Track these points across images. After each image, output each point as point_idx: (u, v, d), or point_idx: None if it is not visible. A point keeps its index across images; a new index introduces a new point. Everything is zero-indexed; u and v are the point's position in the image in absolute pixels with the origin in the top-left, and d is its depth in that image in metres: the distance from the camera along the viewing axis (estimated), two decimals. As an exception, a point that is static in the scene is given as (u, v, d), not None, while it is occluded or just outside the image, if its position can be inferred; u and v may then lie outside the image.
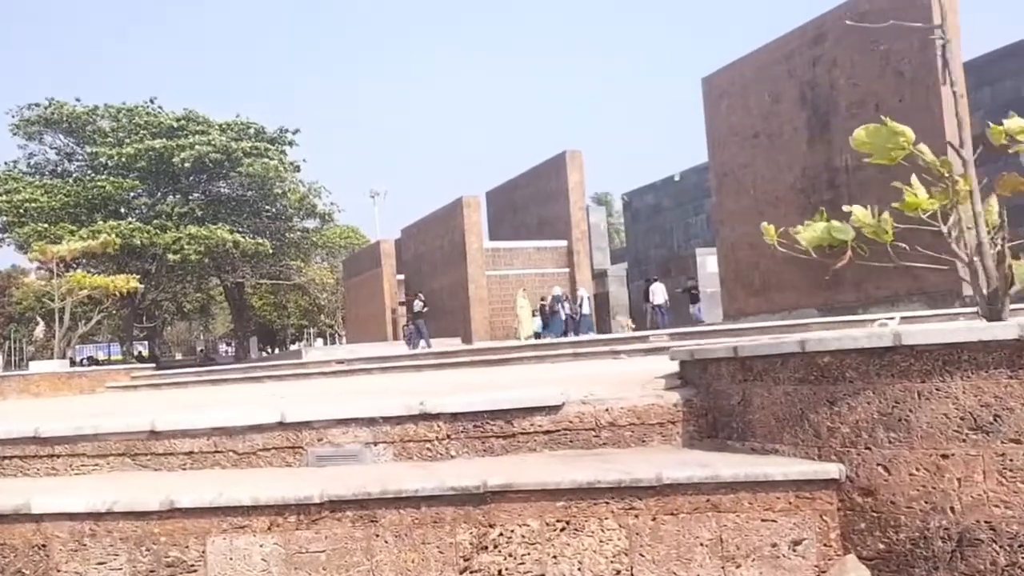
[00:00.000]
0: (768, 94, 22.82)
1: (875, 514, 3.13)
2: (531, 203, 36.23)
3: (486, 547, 3.55)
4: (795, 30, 21.99)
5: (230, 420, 4.44)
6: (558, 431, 4.16)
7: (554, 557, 3.48)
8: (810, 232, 4.89)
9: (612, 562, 3.42)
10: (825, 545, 3.25)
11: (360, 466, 4.27)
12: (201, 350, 73.06)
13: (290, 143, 47.73)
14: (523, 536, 3.52)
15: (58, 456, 4.66)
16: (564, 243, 33.34)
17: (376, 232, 71.43)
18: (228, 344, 78.07)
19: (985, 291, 4.10)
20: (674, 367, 5.26)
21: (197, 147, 40.84)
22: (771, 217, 22.91)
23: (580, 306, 27.56)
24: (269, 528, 3.73)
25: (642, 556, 3.40)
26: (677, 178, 38.76)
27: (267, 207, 48.42)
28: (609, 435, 4.10)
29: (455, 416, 4.25)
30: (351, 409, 4.35)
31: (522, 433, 4.18)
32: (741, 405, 3.74)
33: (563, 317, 27.18)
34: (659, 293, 28.83)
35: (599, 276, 36.87)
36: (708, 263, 31.38)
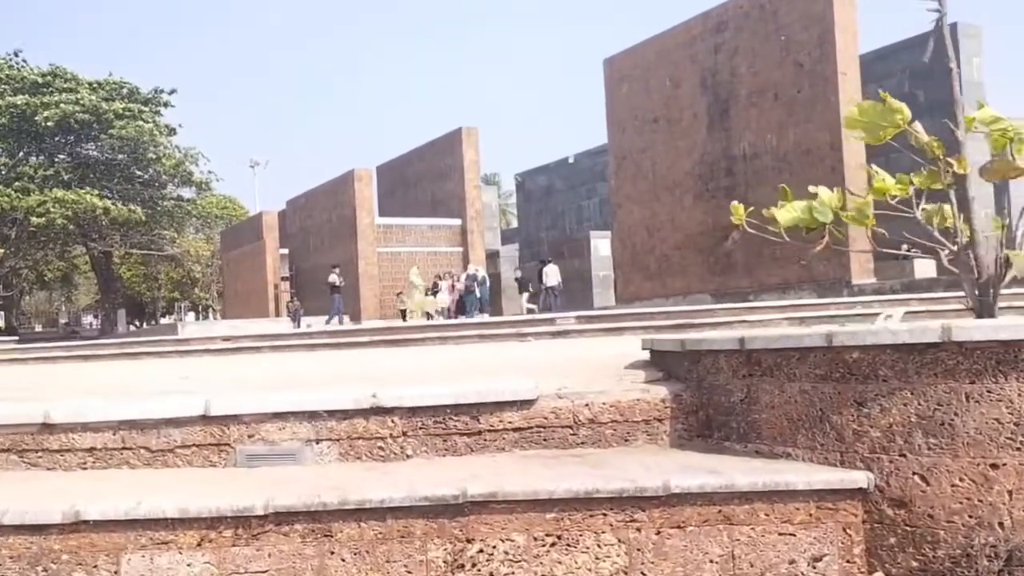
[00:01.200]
0: (669, 79, 22.90)
1: (908, 528, 2.82)
2: (424, 179, 35.46)
3: (463, 565, 3.07)
4: (698, 16, 22.11)
5: (143, 412, 3.78)
6: (530, 428, 3.71)
7: (543, 577, 3.04)
8: (788, 213, 4.58)
9: (610, 581, 3.01)
10: (848, 561, 2.93)
11: (299, 467, 3.70)
12: (65, 322, 68.87)
13: (165, 104, 45.12)
14: (507, 553, 3.06)
15: (-76, 452, 3.89)
16: (458, 222, 32.81)
17: (255, 204, 68.88)
18: (95, 316, 73.89)
19: (977, 282, 3.89)
20: (635, 356, 4.89)
21: (63, 105, 38.02)
22: (668, 202, 23.13)
23: (479, 284, 27.15)
24: (199, 544, 3.13)
25: (643, 575, 2.99)
26: (571, 160, 38.77)
27: (139, 172, 45.65)
28: (588, 433, 3.68)
29: (413, 411, 3.73)
30: (289, 401, 3.77)
31: (490, 430, 3.71)
32: (744, 403, 3.38)
33: (479, 296, 26.70)
34: (552, 275, 28.66)
35: (491, 257, 36.51)
36: (600, 247, 31.46)
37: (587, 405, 3.68)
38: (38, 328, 72.69)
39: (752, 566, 2.92)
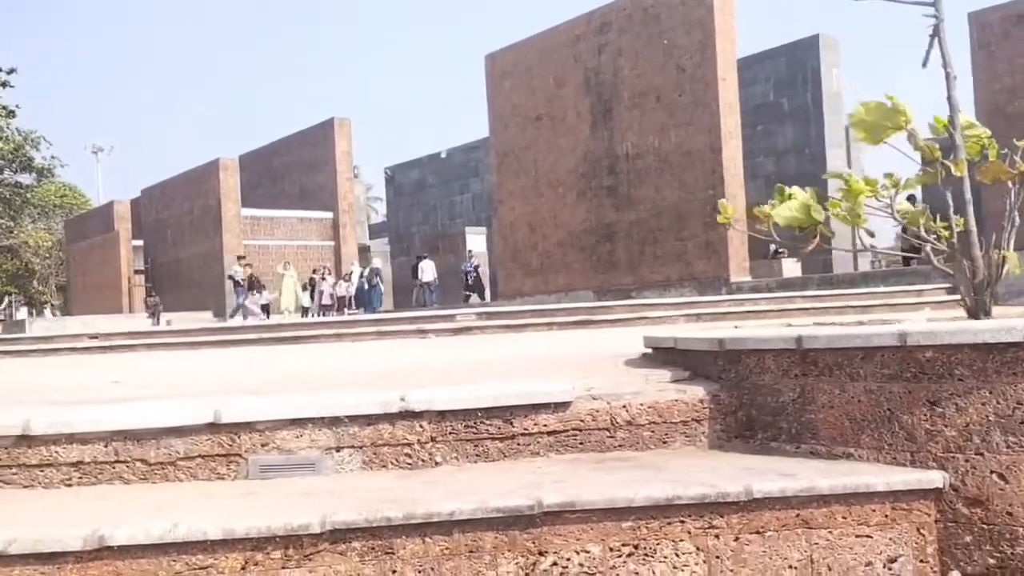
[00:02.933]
0: (553, 77, 23.11)
1: (985, 526, 2.87)
2: (292, 171, 34.36)
3: (537, 579, 2.90)
4: (581, 16, 22.40)
5: (140, 420, 3.37)
6: (566, 432, 3.57)
7: (620, 588, 2.91)
8: (784, 211, 4.62)
9: (688, 590, 2.92)
10: (921, 561, 2.96)
11: (319, 478, 3.41)
12: None
13: (3, 84, 41.77)
14: (581, 565, 2.91)
15: None
16: (330, 215, 31.99)
17: (99, 193, 64.87)
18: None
19: (972, 283, 4.05)
20: (631, 352, 4.84)
21: None
22: (551, 199, 23.36)
23: (366, 280, 26.60)
24: (243, 568, 2.81)
25: (722, 582, 2.92)
26: (443, 155, 38.55)
27: (-30, 156, 42.15)
28: (626, 436, 3.58)
29: (442, 415, 3.52)
30: (309, 406, 3.46)
31: (523, 434, 3.54)
32: (797, 403, 3.37)
33: (382, 291, 26.17)
34: (428, 270, 28.44)
35: (362, 251, 35.82)
36: (475, 242, 31.49)
37: (624, 407, 3.58)
38: None
39: (830, 570, 2.90)
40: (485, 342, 11.18)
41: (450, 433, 3.54)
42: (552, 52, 23.12)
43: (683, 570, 2.93)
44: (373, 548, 2.87)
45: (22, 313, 72.34)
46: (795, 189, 5.38)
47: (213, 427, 3.43)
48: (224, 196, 29.60)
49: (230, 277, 25.73)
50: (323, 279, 28.03)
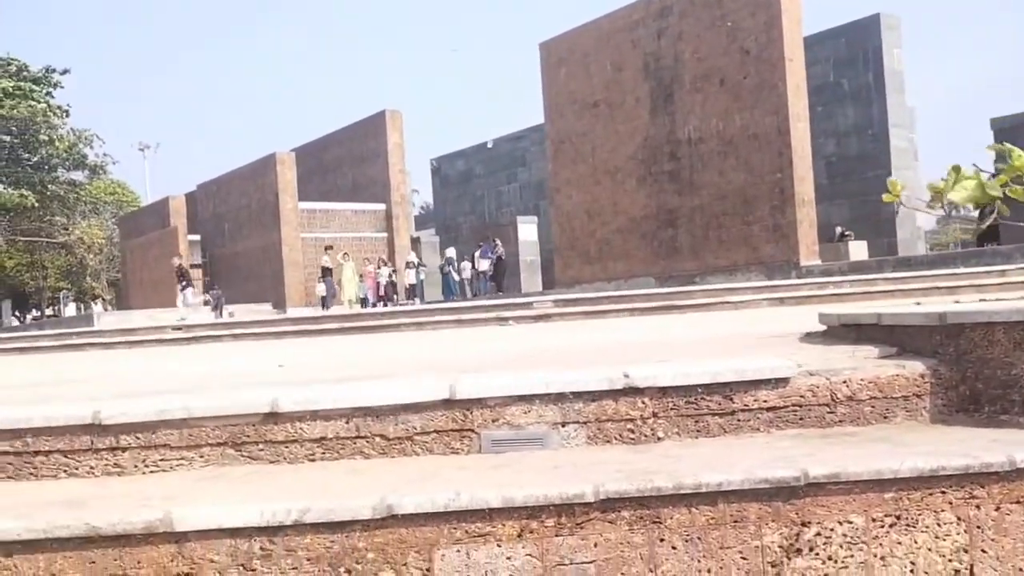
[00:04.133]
0: (610, 63, 23.06)
1: None
2: (344, 164, 34.64)
3: (800, 550, 2.96)
4: (640, 1, 22.32)
5: (380, 398, 3.48)
6: (785, 407, 3.62)
7: (882, 559, 2.96)
8: (961, 191, 4.60)
9: (950, 561, 2.96)
10: None
11: (549, 452, 3.50)
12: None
13: (56, 84, 42.61)
14: (844, 535, 2.97)
15: (124, 449, 3.46)
16: (383, 206, 32.21)
17: (146, 189, 65.83)
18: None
19: None
20: (781, 331, 4.87)
21: (-54, 81, 35.39)
22: (609, 186, 23.33)
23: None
24: (520, 535, 2.90)
25: (984, 552, 2.96)
26: (490, 145, 38.64)
27: (27, 155, 43.04)
28: (846, 411, 3.62)
29: (663, 391, 3.58)
30: (537, 382, 3.55)
31: (743, 410, 3.60)
32: (1034, 375, 3.39)
33: (456, 279, 26.36)
34: (485, 260, 28.52)
35: (412, 242, 36.06)
36: (527, 231, 31.51)
37: (845, 382, 3.62)
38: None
39: (1092, 536, 2.93)
40: (576, 328, 11.23)
41: (671, 409, 3.60)
42: (609, 38, 23.06)
43: (944, 540, 2.98)
44: (641, 517, 2.95)
45: (70, 308, 73.81)
46: (957, 166, 5.36)
47: (448, 403, 3.53)
48: (282, 190, 29.95)
49: (322, 267, 26.22)
50: (378, 269, 28.29)
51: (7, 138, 41.41)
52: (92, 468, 3.48)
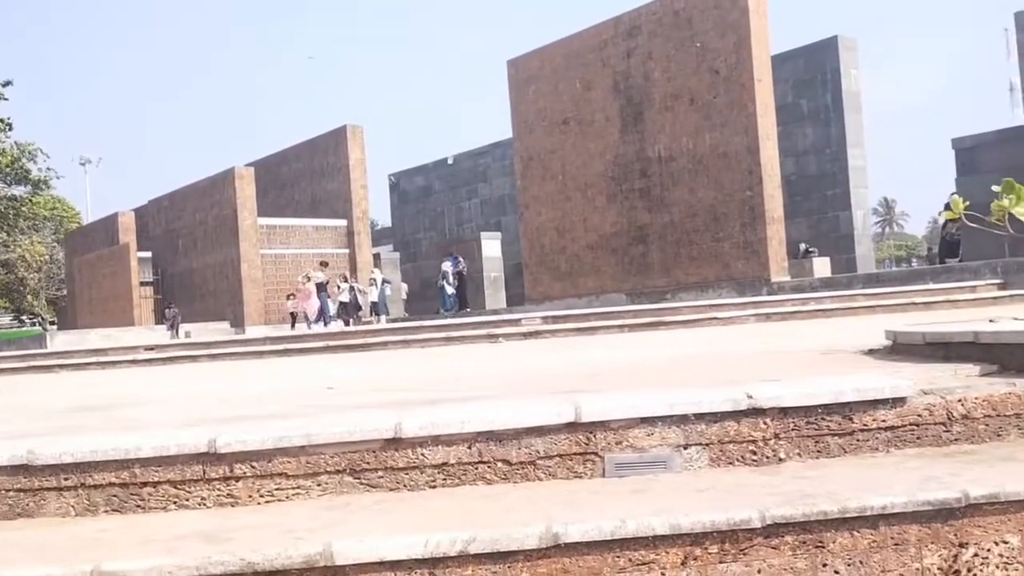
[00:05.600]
0: (579, 82, 23.23)
1: None
2: (303, 179, 34.22)
3: (958, 571, 2.96)
4: (608, 21, 22.55)
5: (503, 421, 3.39)
6: (903, 426, 3.63)
7: (1038, 575, 2.98)
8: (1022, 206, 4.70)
9: (1100, 572, 2.99)
10: None
11: (674, 475, 3.44)
12: None
13: (-1, 97, 41.23)
14: (1000, 555, 2.98)
15: (239, 478, 3.30)
16: (344, 222, 31.86)
17: (87, 205, 64.24)
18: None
19: None
20: (827, 347, 4.90)
21: None
22: (579, 202, 23.44)
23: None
24: (683, 563, 2.84)
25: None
26: (450, 161, 38.55)
27: (-33, 169, 41.58)
28: (961, 430, 3.65)
29: (784, 411, 3.57)
30: (660, 404, 3.50)
31: (862, 430, 3.60)
32: None
33: (450, 292, 26.00)
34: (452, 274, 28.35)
35: (374, 258, 35.71)
36: (491, 247, 31.45)
37: (960, 401, 3.65)
38: None
39: None
40: (573, 345, 11.22)
41: (792, 429, 3.59)
42: (578, 56, 23.23)
43: (1093, 554, 3.00)
44: (804, 542, 2.92)
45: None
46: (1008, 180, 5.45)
47: (571, 426, 3.46)
48: (240, 205, 29.43)
49: (318, 285, 25.71)
50: (338, 287, 27.87)
51: (-55, 152, 39.98)
52: (204, 499, 3.32)
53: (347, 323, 25.82)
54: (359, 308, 26.48)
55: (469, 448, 3.42)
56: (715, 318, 13.37)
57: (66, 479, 3.30)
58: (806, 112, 25.44)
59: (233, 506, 3.31)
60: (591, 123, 22.94)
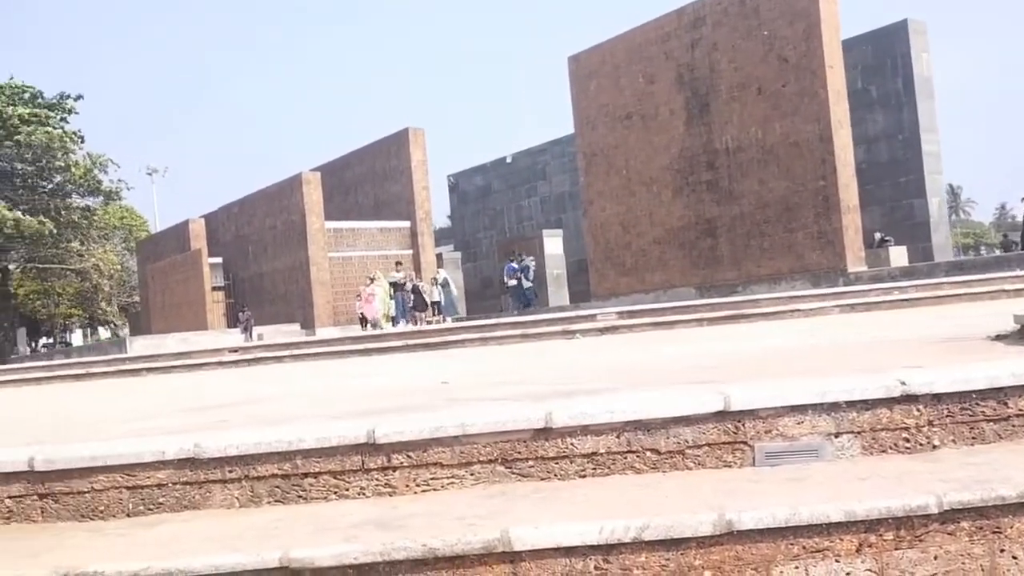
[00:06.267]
0: (642, 75, 23.07)
1: None
2: (366, 182, 34.62)
3: None
4: (671, 13, 22.36)
5: (652, 411, 3.40)
6: (1058, 409, 3.54)
7: None
8: None
9: None
10: None
11: (825, 464, 3.42)
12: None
13: (70, 111, 42.55)
14: None
15: (396, 468, 3.37)
16: (407, 223, 32.15)
17: (155, 214, 65.85)
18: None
19: None
20: (949, 334, 4.80)
21: (-35, 110, 35.32)
22: (645, 197, 23.30)
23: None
24: (858, 550, 2.82)
25: None
26: (509, 160, 38.62)
27: (43, 182, 42.93)
28: (1116, 414, 3.55)
29: (938, 397, 3.51)
30: (809, 392, 3.47)
31: (1018, 415, 3.52)
32: None
33: (528, 286, 26.08)
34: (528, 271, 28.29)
35: (437, 258, 35.97)
36: (553, 244, 31.44)
37: (1117, 382, 3.55)
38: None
39: None
40: (656, 340, 11.15)
41: (946, 416, 3.53)
42: (640, 50, 23.09)
43: None
44: (981, 528, 2.87)
45: (76, 336, 73.44)
46: None
47: (719, 415, 3.45)
48: (308, 210, 29.91)
49: (392, 283, 26.02)
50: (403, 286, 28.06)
51: (21, 165, 41.31)
52: (363, 489, 3.40)
53: (394, 323, 26.05)
54: (424, 307, 26.67)
55: (618, 438, 3.43)
56: (797, 310, 13.18)
57: (230, 471, 3.40)
58: (876, 98, 24.91)
59: (391, 496, 3.38)
60: (655, 117, 22.78)
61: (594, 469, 3.44)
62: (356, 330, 26.99)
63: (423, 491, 3.39)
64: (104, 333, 65.33)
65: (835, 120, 18.93)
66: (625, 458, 3.45)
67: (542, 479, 3.42)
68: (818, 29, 19.00)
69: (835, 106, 19.00)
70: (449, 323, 23.29)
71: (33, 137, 37.58)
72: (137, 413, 5.56)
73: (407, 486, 3.40)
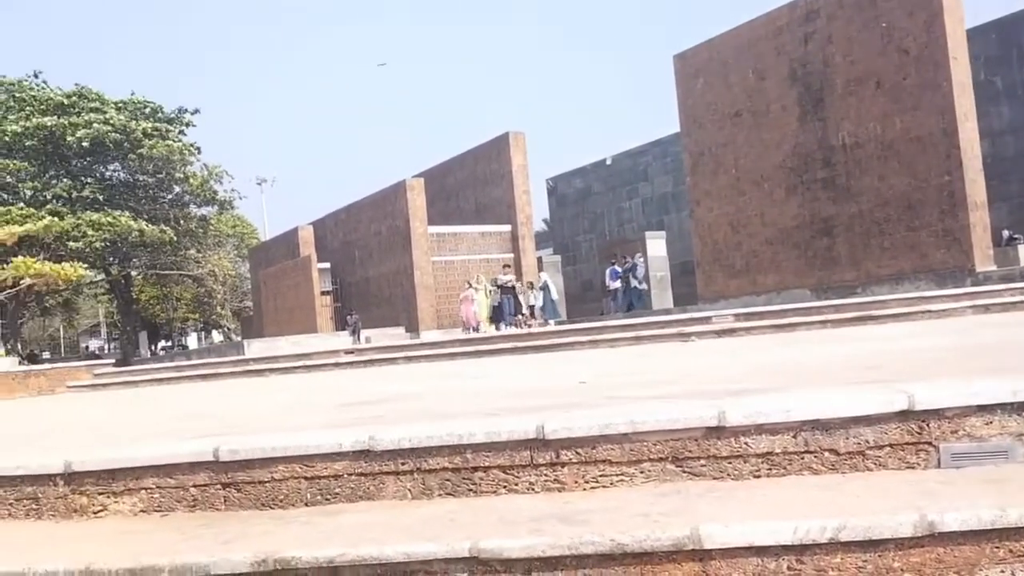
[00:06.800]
0: (752, 71, 22.57)
1: None
2: (467, 187, 34.98)
3: None
4: (783, 7, 21.81)
5: (826, 410, 3.30)
6: None
7: None
8: None
9: None
10: None
11: (1016, 465, 3.25)
12: (86, 347, 67.62)
13: (188, 124, 44.48)
14: None
15: (564, 464, 3.38)
16: (508, 228, 32.33)
17: (264, 222, 68.15)
18: (106, 340, 72.60)
19: None
20: None
21: (95, 125, 37.27)
22: (755, 196, 22.78)
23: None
24: (1072, 553, 2.67)
25: None
26: (609, 162, 38.42)
27: (163, 193, 45.00)
28: None
29: None
30: (997, 391, 3.31)
31: None
32: None
33: (643, 288, 25.91)
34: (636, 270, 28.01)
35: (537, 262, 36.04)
36: (656, 247, 31.10)
37: None
38: (46, 355, 71.12)
39: None
40: (782, 342, 10.87)
41: None
42: (750, 46, 22.60)
43: None
44: None
45: (191, 339, 76.61)
46: None
47: (902, 415, 3.32)
48: (412, 215, 30.42)
49: (498, 286, 26.30)
50: (488, 291, 28.06)
51: (143, 177, 43.39)
52: (532, 484, 3.40)
53: (497, 327, 26.12)
54: (520, 310, 26.74)
55: (794, 437, 3.34)
56: (928, 311, 12.65)
57: (403, 464, 3.46)
58: (1001, 89, 23.76)
59: (560, 491, 3.37)
60: (766, 113, 22.25)
61: (769, 469, 3.35)
62: (459, 333, 27.29)
63: (591, 488, 3.37)
64: (217, 336, 67.92)
65: (960, 113, 18.10)
66: (802, 458, 3.35)
67: (714, 478, 3.35)
68: (940, 19, 18.22)
69: (960, 98, 18.17)
70: (551, 326, 23.29)
71: (155, 150, 39.42)
72: (284, 408, 5.72)
73: (575, 482, 3.38)
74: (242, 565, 2.78)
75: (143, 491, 3.58)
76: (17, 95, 38.71)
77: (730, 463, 3.35)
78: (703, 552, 2.71)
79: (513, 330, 23.30)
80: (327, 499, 3.48)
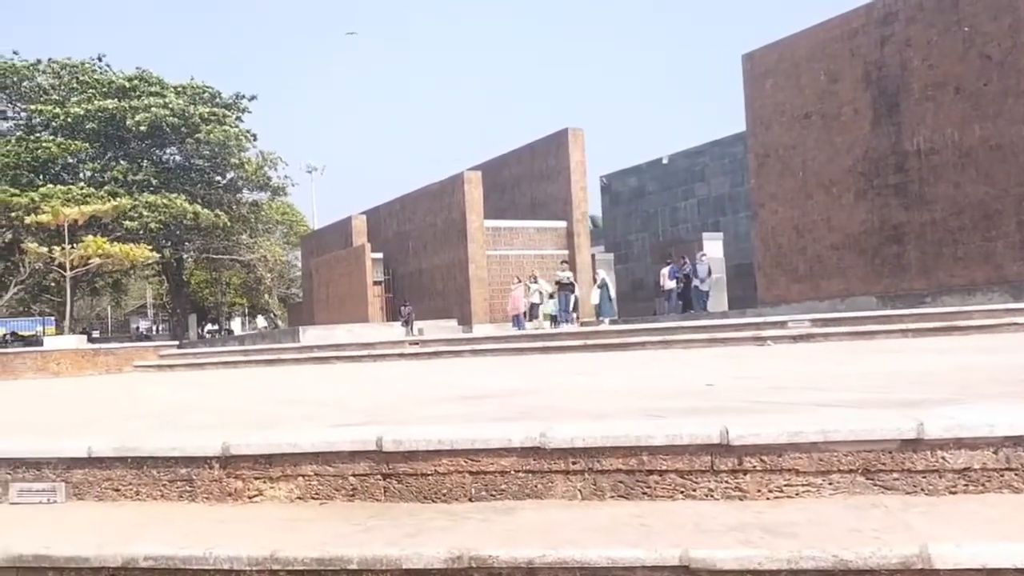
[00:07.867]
0: (824, 73, 22.15)
1: None
2: (523, 182, 34.86)
3: None
4: (859, 8, 21.37)
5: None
6: None
7: None
8: None
9: None
10: None
11: None
12: (136, 328, 68.72)
13: (244, 110, 44.90)
14: None
15: (747, 472, 3.23)
16: (564, 223, 32.16)
17: (312, 210, 68.66)
18: (153, 322, 73.70)
19: None
20: None
21: (154, 109, 37.75)
22: (823, 200, 22.36)
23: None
24: None
25: None
26: (665, 161, 38.03)
27: (218, 177, 45.48)
28: None
29: None
30: None
31: None
32: None
33: (706, 290, 25.42)
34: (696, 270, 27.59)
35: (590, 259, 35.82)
36: (713, 248, 30.70)
37: None
38: (96, 334, 72.39)
39: None
40: (868, 350, 10.59)
41: None
42: (823, 47, 22.18)
43: None
44: None
45: (236, 324, 77.44)
46: None
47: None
48: (468, 208, 30.39)
49: (557, 282, 26.12)
50: (527, 288, 27.76)
51: (199, 162, 43.87)
52: (711, 490, 3.25)
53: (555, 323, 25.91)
54: (577, 307, 26.53)
55: (995, 453, 3.15)
56: (1015, 323, 12.26)
57: (575, 463, 3.32)
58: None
59: (741, 499, 3.22)
60: (837, 116, 21.82)
61: (966, 486, 3.17)
62: (511, 328, 27.13)
63: (776, 497, 3.21)
64: (261, 322, 68.71)
65: (1048, 120, 17.57)
66: (1002, 476, 3.15)
67: (907, 493, 3.17)
68: (1027, 23, 17.69)
69: (1050, 105, 17.63)
70: (606, 324, 23.08)
71: (212, 135, 39.82)
72: (403, 399, 5.63)
73: (758, 491, 3.22)
74: (436, 560, 2.67)
75: (300, 478, 3.49)
76: (81, 78, 39.34)
77: (924, 478, 3.17)
78: (932, 572, 2.54)
79: (568, 327, 23.13)
80: (492, 495, 3.36)
